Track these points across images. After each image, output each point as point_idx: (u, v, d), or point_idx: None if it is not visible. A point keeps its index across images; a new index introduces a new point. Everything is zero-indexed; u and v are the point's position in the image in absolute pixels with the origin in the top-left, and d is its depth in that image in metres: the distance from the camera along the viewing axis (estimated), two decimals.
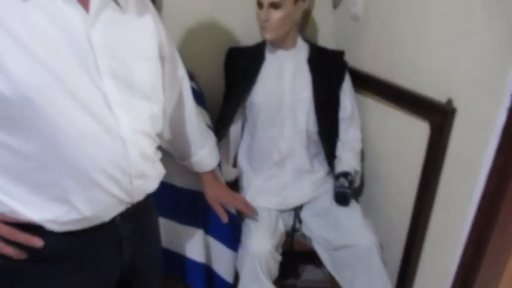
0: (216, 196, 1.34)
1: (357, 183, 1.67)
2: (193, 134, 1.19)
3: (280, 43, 1.57)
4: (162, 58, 0.96)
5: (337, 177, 1.59)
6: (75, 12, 0.73)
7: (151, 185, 0.93)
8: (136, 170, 0.82)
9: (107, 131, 0.76)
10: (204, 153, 1.24)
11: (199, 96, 1.69)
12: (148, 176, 0.89)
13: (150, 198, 0.95)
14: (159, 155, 0.96)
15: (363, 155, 1.71)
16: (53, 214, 0.76)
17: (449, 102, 1.24)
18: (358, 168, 1.63)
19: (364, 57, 1.69)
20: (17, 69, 0.67)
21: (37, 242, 0.76)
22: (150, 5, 0.94)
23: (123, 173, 0.80)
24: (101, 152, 0.76)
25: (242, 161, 1.76)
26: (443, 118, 1.25)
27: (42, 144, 0.72)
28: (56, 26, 0.71)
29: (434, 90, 1.31)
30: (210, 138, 1.28)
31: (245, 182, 1.71)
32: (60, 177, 0.74)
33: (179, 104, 1.14)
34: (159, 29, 0.94)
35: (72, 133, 0.73)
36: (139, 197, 0.89)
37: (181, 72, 1.13)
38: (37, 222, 0.75)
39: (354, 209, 1.53)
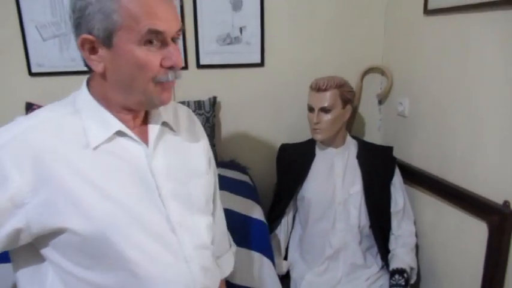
0: None
1: (413, 280, 1.62)
2: (221, 236, 1.14)
3: (330, 142, 1.66)
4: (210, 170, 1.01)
5: (392, 273, 1.56)
6: (137, 148, 0.81)
7: None
8: (199, 283, 0.85)
9: (172, 253, 0.81)
10: (224, 259, 1.16)
11: (252, 190, 1.79)
12: (210, 287, 0.91)
13: None
14: (215, 263, 0.98)
15: (418, 250, 1.67)
16: None
17: (506, 204, 1.24)
18: (414, 265, 1.59)
19: (413, 153, 1.74)
20: (93, 210, 0.73)
21: None
22: (197, 122, 1.02)
23: None
24: (169, 275, 0.80)
25: (294, 252, 1.78)
26: (502, 220, 1.24)
27: (118, 276, 0.76)
28: (122, 164, 0.79)
29: (489, 191, 1.31)
30: (233, 245, 1.23)
31: (296, 275, 1.71)
32: None
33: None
34: (207, 144, 1.01)
35: (144, 262, 0.77)
36: None
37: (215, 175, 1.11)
38: None
39: None
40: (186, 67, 1.86)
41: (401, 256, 1.60)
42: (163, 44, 0.75)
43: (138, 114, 0.84)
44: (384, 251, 1.65)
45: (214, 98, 1.87)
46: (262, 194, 1.84)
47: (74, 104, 0.80)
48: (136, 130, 0.83)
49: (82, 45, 0.74)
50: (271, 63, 1.91)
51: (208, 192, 0.97)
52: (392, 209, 1.66)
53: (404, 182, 1.69)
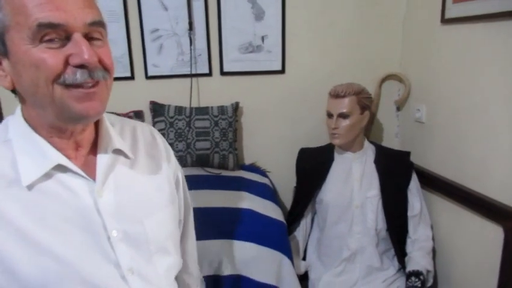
0: None
1: (429, 283, 1.65)
2: (193, 264, 1.00)
3: (348, 147, 1.72)
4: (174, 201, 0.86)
5: (408, 275, 1.60)
6: (81, 184, 0.68)
7: None
8: None
9: None
10: None
11: (272, 192, 1.86)
12: None
13: None
14: None
15: (434, 254, 1.70)
16: None
17: None
18: (430, 268, 1.62)
19: (430, 158, 1.77)
20: (22, 268, 0.61)
21: None
22: (161, 142, 0.87)
23: None
24: None
25: (311, 254, 1.83)
26: None
27: None
28: (61, 206, 0.66)
29: (505, 196, 1.34)
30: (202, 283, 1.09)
31: (314, 275, 1.76)
32: None
33: (184, 233, 0.97)
34: (176, 177, 0.87)
35: None
36: None
37: (188, 200, 0.96)
38: None
39: None
40: (210, 74, 1.95)
41: (418, 259, 1.63)
42: (68, 39, 0.60)
43: (81, 141, 0.71)
44: (401, 254, 1.69)
45: (237, 103, 1.95)
46: (281, 197, 1.91)
47: (7, 131, 0.68)
48: (79, 161, 0.70)
49: None
50: (291, 71, 1.98)
51: (171, 226, 0.82)
52: (409, 213, 1.70)
53: (421, 187, 1.73)
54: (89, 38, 0.62)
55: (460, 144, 1.57)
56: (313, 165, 1.79)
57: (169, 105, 1.91)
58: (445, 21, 1.61)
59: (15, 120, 0.69)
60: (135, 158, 0.78)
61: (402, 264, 1.67)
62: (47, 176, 0.66)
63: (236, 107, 1.94)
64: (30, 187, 0.64)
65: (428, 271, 1.62)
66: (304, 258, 1.84)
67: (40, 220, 0.64)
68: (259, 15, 1.88)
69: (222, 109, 1.91)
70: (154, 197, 0.79)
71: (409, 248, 1.69)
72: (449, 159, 1.64)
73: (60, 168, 0.67)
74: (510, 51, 1.30)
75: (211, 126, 1.88)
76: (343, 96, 1.63)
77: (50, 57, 0.59)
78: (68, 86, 0.61)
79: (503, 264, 1.34)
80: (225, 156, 1.90)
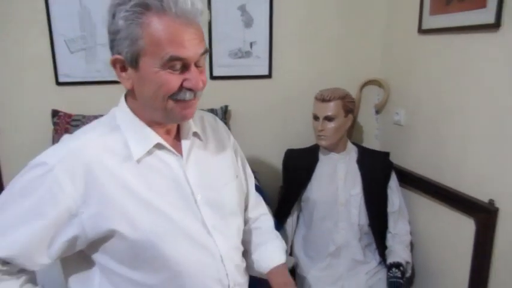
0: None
1: (408, 274, 1.77)
2: (256, 197, 1.23)
3: (333, 148, 1.82)
4: (238, 173, 1.09)
5: (389, 267, 1.71)
6: (174, 159, 0.89)
7: None
8: (233, 280, 0.94)
9: (210, 254, 0.89)
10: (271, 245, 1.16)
11: (261, 192, 1.93)
12: (241, 283, 0.99)
13: None
14: (244, 262, 1.05)
15: (412, 247, 1.83)
16: None
17: (491, 202, 1.41)
18: (409, 259, 1.75)
19: (408, 158, 1.91)
20: (138, 220, 0.81)
21: None
22: (221, 125, 1.10)
23: (223, 286, 0.91)
24: (208, 273, 0.89)
25: (298, 250, 1.92)
26: (487, 217, 1.41)
27: (161, 277, 0.84)
28: (161, 175, 0.86)
29: (476, 191, 1.48)
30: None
31: (301, 271, 1.85)
32: None
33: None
34: (235, 150, 1.10)
35: (185, 264, 0.85)
36: None
37: (249, 171, 1.21)
38: None
39: None
40: None
41: (398, 252, 1.75)
42: (185, 67, 0.80)
43: (170, 129, 0.92)
44: (382, 248, 1.80)
45: (226, 106, 2.02)
46: (268, 197, 1.99)
47: (115, 119, 0.88)
48: (169, 143, 0.90)
49: (114, 63, 0.82)
50: (278, 76, 2.07)
51: (239, 196, 1.04)
52: (389, 209, 1.82)
53: (400, 185, 1.85)
54: (196, 64, 0.82)
55: (436, 145, 1.70)
56: (300, 166, 1.88)
57: None
58: (422, 31, 1.75)
59: (121, 110, 0.89)
60: (206, 139, 1.00)
61: (383, 257, 1.79)
62: (149, 152, 0.86)
63: (225, 110, 2.02)
64: (138, 161, 0.84)
65: (407, 262, 1.74)
66: (291, 254, 1.93)
67: (148, 186, 0.84)
68: (248, 22, 1.97)
69: (212, 112, 1.97)
70: (225, 171, 1.01)
71: (389, 241, 1.81)
72: (426, 159, 1.77)
73: (158, 146, 0.87)
74: (481, 61, 1.44)
75: None
76: (329, 100, 1.73)
77: (172, 80, 0.79)
78: (177, 100, 0.82)
79: (475, 253, 1.48)
80: None
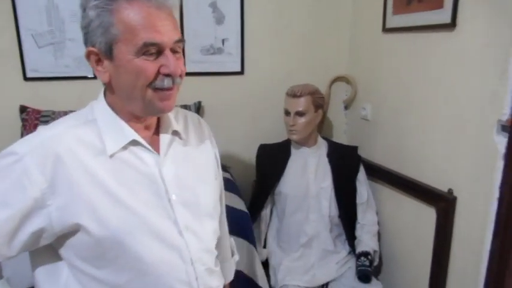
0: None
1: (376, 262, 1.86)
2: (225, 239, 1.17)
3: (304, 142, 1.88)
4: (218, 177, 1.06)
5: (358, 256, 1.80)
6: (149, 156, 0.86)
7: None
8: (203, 284, 0.90)
9: (180, 255, 0.85)
10: (228, 264, 1.18)
11: (234, 186, 1.97)
12: (213, 287, 0.95)
13: None
14: (218, 265, 1.01)
15: (380, 236, 1.92)
16: None
17: (450, 192, 1.50)
18: (377, 248, 1.84)
19: (375, 151, 1.99)
20: (106, 216, 0.78)
21: None
22: (206, 128, 1.05)
23: None
24: (175, 275, 0.85)
25: (272, 242, 1.97)
26: (447, 205, 1.50)
27: (126, 276, 0.81)
28: (135, 172, 0.83)
29: (436, 181, 1.57)
30: (236, 254, 1.25)
31: (274, 261, 1.90)
32: None
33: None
34: (215, 151, 1.05)
35: (152, 263, 0.82)
36: None
37: (223, 197, 1.15)
38: None
39: (375, 286, 1.71)
40: None
41: (366, 241, 1.83)
42: (160, 53, 0.78)
43: (149, 125, 0.90)
44: (351, 238, 1.88)
45: (199, 102, 2.04)
46: (242, 189, 2.02)
47: (92, 112, 0.86)
48: (147, 139, 0.88)
49: (88, 56, 0.80)
50: (250, 72, 2.11)
51: (216, 197, 1.02)
52: (358, 201, 1.90)
53: (368, 178, 1.93)
54: (172, 51, 0.80)
55: (400, 139, 1.79)
56: (272, 160, 1.93)
57: None
58: (385, 30, 1.83)
59: (100, 104, 0.87)
60: (187, 139, 0.97)
61: (352, 247, 1.87)
62: (124, 148, 0.84)
63: (199, 106, 2.04)
64: (112, 156, 0.82)
65: (375, 251, 1.83)
66: (264, 247, 1.98)
67: (120, 181, 0.81)
68: (220, 19, 1.99)
69: (185, 108, 1.99)
70: (203, 171, 0.98)
71: (358, 232, 1.89)
72: (391, 152, 1.86)
73: (134, 143, 0.85)
74: (439, 58, 1.53)
75: None
76: (300, 96, 1.79)
77: (149, 67, 0.78)
78: (156, 89, 0.80)
79: (436, 239, 1.57)
80: None
